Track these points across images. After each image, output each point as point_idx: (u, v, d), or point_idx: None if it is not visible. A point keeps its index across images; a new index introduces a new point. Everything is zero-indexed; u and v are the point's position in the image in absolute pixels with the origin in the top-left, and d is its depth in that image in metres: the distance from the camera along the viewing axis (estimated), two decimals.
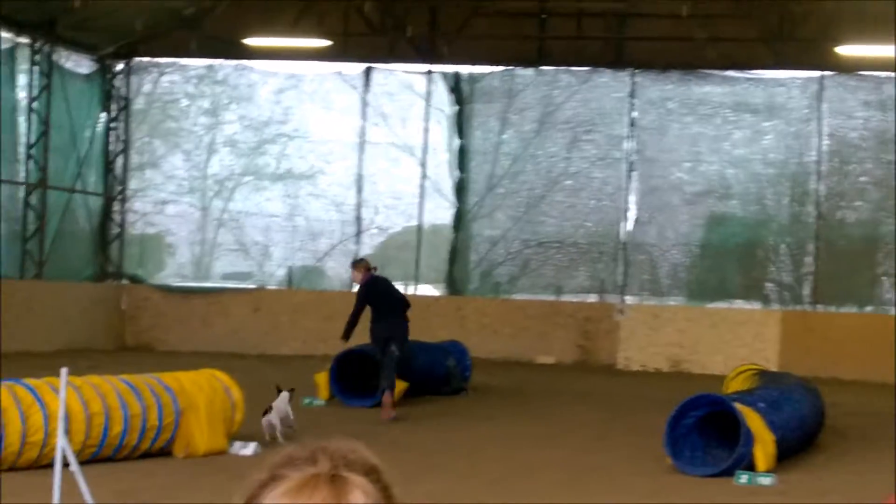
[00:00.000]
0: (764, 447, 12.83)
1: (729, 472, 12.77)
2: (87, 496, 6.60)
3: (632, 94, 27.88)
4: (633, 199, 27.85)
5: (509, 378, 23.25)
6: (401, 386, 18.56)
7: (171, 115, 30.10)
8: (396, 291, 18.39)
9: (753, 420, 12.97)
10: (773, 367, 23.04)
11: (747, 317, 26.16)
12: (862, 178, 26.67)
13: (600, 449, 14.96)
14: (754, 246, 27.19)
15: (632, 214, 27.86)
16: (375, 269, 18.09)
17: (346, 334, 17.49)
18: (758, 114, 27.26)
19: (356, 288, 18.44)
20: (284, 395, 14.87)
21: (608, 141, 28.15)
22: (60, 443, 6.47)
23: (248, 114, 29.72)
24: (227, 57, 29.02)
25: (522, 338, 26.94)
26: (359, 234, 29.11)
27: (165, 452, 13.12)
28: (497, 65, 28.62)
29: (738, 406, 13.16)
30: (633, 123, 27.87)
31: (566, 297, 27.88)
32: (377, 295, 17.62)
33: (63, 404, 6.61)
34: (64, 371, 6.69)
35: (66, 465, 6.51)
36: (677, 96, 27.75)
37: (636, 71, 27.81)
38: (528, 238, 28.38)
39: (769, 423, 13.18)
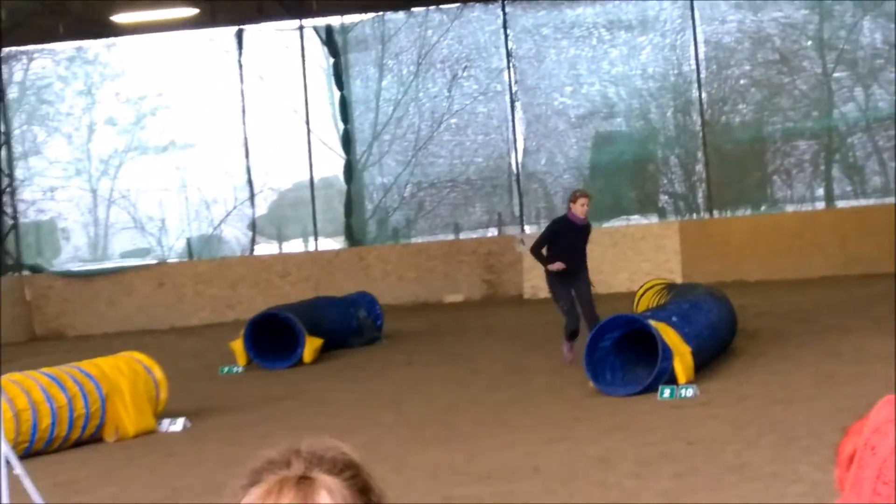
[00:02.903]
0: (682, 360, 13.09)
1: (651, 389, 13.02)
2: (37, 497, 6.65)
3: (505, 25, 27.96)
4: (519, 130, 28.02)
5: (421, 321, 23.40)
6: (315, 343, 18.66)
7: (46, 100, 29.68)
8: None
9: (669, 334, 13.22)
10: (678, 279, 23.42)
11: (646, 231, 26.48)
12: (742, 81, 27.02)
13: (520, 382, 15.09)
14: (644, 161, 27.53)
15: (520, 145, 28.03)
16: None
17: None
18: (632, 30, 27.46)
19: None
20: None
21: (487, 74, 28.26)
22: (4, 449, 6.48)
23: (124, 90, 29.38)
24: (95, 36, 28.65)
25: (428, 280, 27.10)
26: (252, 196, 29.00)
27: (96, 439, 13.15)
28: (367, 12, 28.54)
29: (653, 322, 13.40)
30: (510, 54, 27.97)
31: (466, 235, 28.07)
32: None
33: (0, 412, 6.62)
34: None
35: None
36: (550, 22, 27.86)
37: (507, 1, 27.89)
38: (420, 181, 28.47)
39: (684, 335, 13.43)
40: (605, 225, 27.29)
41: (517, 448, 11.02)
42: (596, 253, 26.28)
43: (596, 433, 11.36)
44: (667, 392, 12.84)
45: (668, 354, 13.01)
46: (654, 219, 27.25)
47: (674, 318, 13.90)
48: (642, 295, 18.55)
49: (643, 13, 27.35)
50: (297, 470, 1.81)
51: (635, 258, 25.83)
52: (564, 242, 16.12)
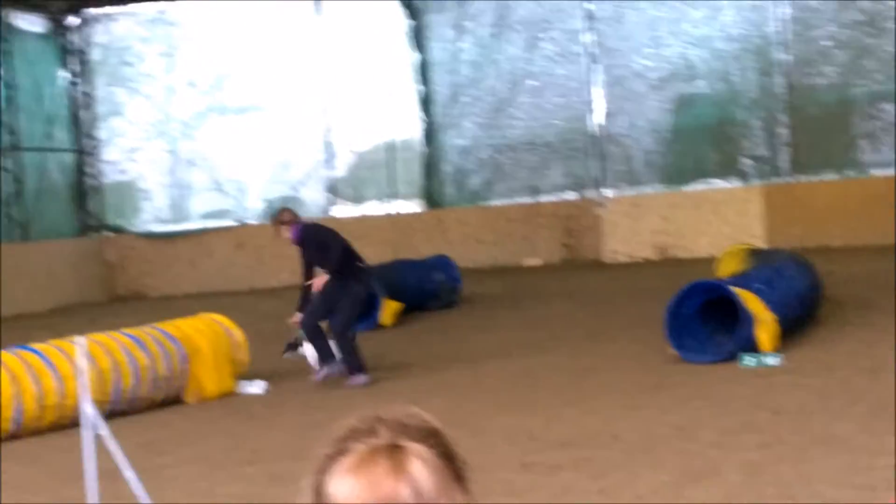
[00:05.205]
0: (766, 328, 12.92)
1: (733, 357, 12.88)
2: (120, 457, 6.70)
3: None
4: (598, 92, 27.81)
5: (499, 285, 23.36)
6: (395, 306, 18.68)
7: (127, 62, 29.95)
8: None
9: (752, 302, 13.06)
10: (761, 243, 23.14)
11: (728, 195, 26.23)
12: (827, 43, 26.54)
13: (599, 347, 14.98)
14: (726, 123, 27.17)
15: (599, 107, 27.83)
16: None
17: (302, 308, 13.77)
18: None
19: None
20: None
21: (566, 36, 28.04)
22: (88, 411, 6.52)
23: (204, 52, 29.54)
24: None
25: (506, 243, 27.04)
26: (331, 158, 29.10)
27: (177, 401, 13.26)
28: None
29: (735, 289, 13.24)
30: (589, 16, 27.73)
31: (544, 198, 27.92)
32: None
33: (85, 374, 6.65)
34: (82, 340, 6.74)
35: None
36: None
37: None
38: (498, 143, 28.38)
39: (767, 302, 13.27)
40: (687, 189, 27.06)
41: (596, 415, 10.96)
42: (676, 217, 26.19)
43: (677, 401, 11.25)
44: (750, 360, 12.69)
45: (749, 322, 12.85)
46: (735, 182, 26.94)
47: (757, 285, 13.72)
48: (725, 260, 18.35)
49: None
50: (385, 438, 1.82)
51: (717, 222, 25.61)
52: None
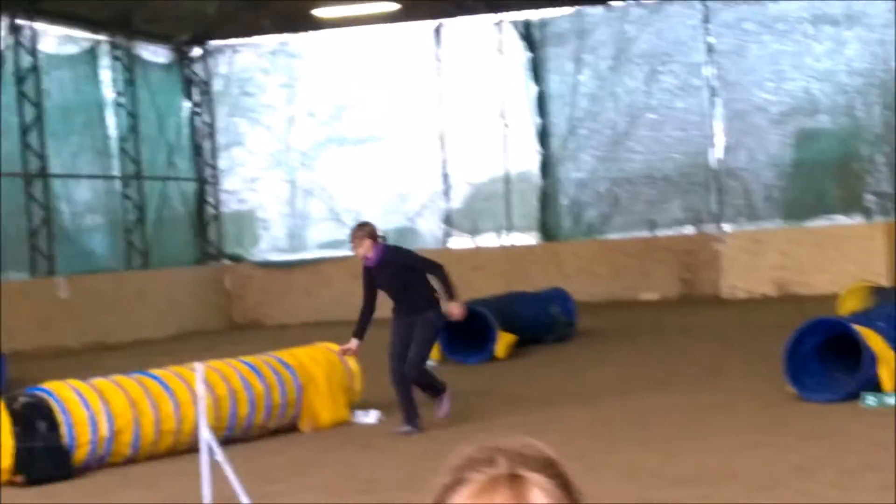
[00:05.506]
0: (889, 367, 12.65)
1: (854, 396, 12.62)
2: (236, 483, 6.73)
3: (706, 20, 27.55)
4: (718, 126, 27.58)
5: (615, 319, 23.21)
6: (509, 339, 18.62)
7: (249, 92, 30.42)
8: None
9: (875, 341, 12.78)
10: (884, 282, 22.72)
11: (850, 232, 25.81)
12: None
13: (716, 384, 14.80)
14: (849, 159, 26.77)
15: (719, 141, 27.59)
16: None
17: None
18: (838, 24, 26.79)
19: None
20: None
21: (686, 69, 27.88)
22: (205, 436, 6.58)
23: (324, 82, 29.87)
24: (297, 30, 29.23)
25: (623, 277, 26.86)
26: (447, 190, 29.18)
27: (292, 429, 13.32)
28: (566, 6, 28.44)
29: (857, 327, 12.98)
30: (710, 49, 27.56)
31: (662, 232, 27.70)
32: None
33: (203, 400, 6.71)
34: (200, 366, 6.80)
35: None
36: (753, 16, 27.38)
37: None
38: (616, 176, 28.24)
39: (891, 341, 12.98)
40: (808, 224, 26.67)
41: (714, 452, 10.79)
42: (796, 253, 25.79)
43: (796, 440, 11.04)
44: (871, 400, 12.42)
45: (872, 361, 12.58)
46: (858, 219, 26.49)
47: (880, 324, 13.41)
48: (847, 297, 18.02)
49: (849, 7, 26.69)
50: (504, 468, 1.80)
51: (839, 259, 25.18)
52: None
